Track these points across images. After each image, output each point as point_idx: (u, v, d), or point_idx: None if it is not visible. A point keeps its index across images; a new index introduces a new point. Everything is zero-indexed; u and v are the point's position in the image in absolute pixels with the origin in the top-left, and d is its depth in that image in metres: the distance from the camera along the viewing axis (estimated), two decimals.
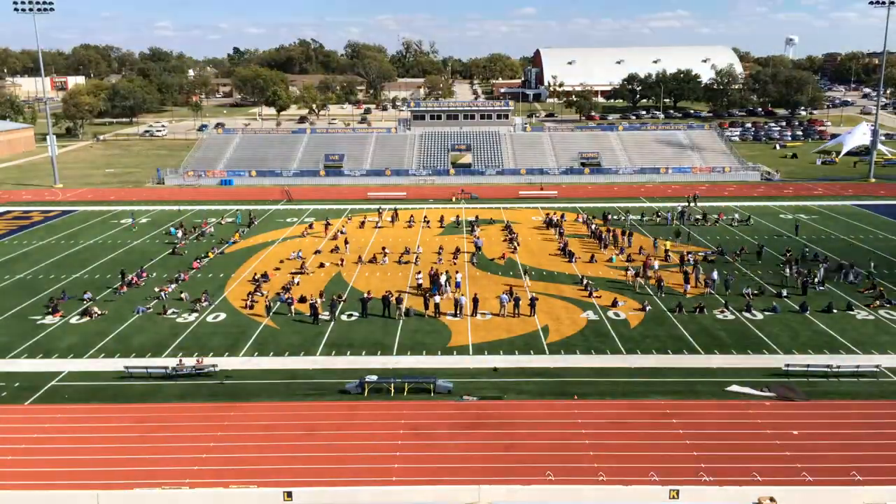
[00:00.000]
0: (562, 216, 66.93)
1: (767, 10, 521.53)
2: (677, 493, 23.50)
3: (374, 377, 32.13)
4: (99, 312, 41.70)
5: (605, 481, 24.67)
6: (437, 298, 42.27)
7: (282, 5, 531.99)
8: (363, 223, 65.75)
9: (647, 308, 41.85)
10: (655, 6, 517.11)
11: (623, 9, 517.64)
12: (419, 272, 47.56)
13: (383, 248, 54.54)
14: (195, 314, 41.89)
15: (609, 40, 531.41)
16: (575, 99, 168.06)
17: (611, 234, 58.42)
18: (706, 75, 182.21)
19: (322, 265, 51.98)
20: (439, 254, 53.53)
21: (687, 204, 71.68)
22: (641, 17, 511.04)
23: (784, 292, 44.02)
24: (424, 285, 45.09)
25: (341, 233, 61.67)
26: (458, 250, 54.76)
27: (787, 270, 47.76)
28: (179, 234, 60.51)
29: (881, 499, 23.46)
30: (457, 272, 47.70)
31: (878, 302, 42.49)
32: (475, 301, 41.78)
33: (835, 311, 41.25)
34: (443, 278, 45.31)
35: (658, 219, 65.31)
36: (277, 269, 51.00)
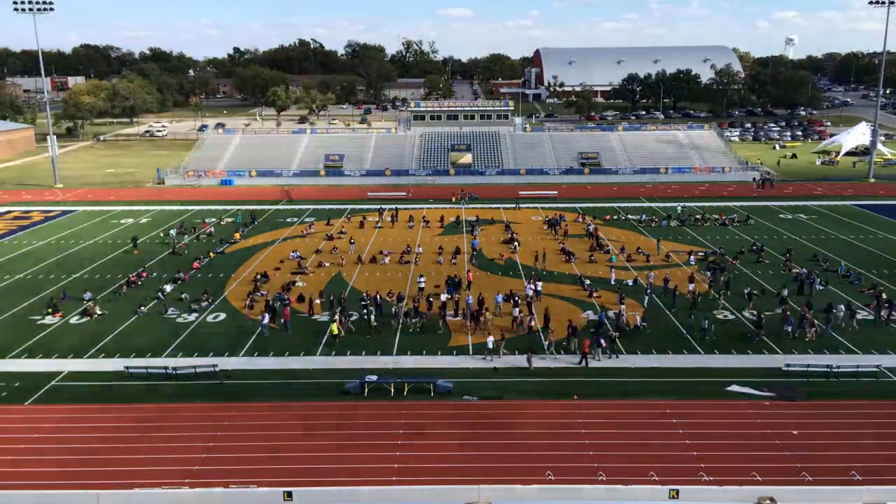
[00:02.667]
0: (561, 216, 66.85)
1: (710, 11, 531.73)
2: (677, 493, 23.50)
3: (375, 377, 32.14)
4: (99, 312, 41.70)
5: (605, 481, 24.67)
6: (443, 297, 42.16)
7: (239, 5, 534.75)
8: (363, 223, 65.75)
9: (647, 307, 41.86)
10: (602, 11, 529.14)
11: (568, 13, 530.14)
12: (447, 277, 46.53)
13: (382, 251, 54.64)
14: (195, 314, 41.90)
15: (569, 42, 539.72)
16: (575, 99, 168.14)
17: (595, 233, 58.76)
18: (706, 75, 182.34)
19: (322, 265, 51.99)
20: (439, 253, 53.56)
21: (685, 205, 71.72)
22: (592, 20, 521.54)
23: (785, 292, 44.01)
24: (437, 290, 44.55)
25: (342, 233, 61.75)
26: (458, 250, 54.76)
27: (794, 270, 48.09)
28: (173, 232, 60.34)
29: (881, 499, 23.46)
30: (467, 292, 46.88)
31: (878, 302, 42.42)
32: (480, 302, 41.77)
33: (834, 310, 41.18)
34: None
35: (654, 223, 65.08)
36: (277, 269, 50.99)
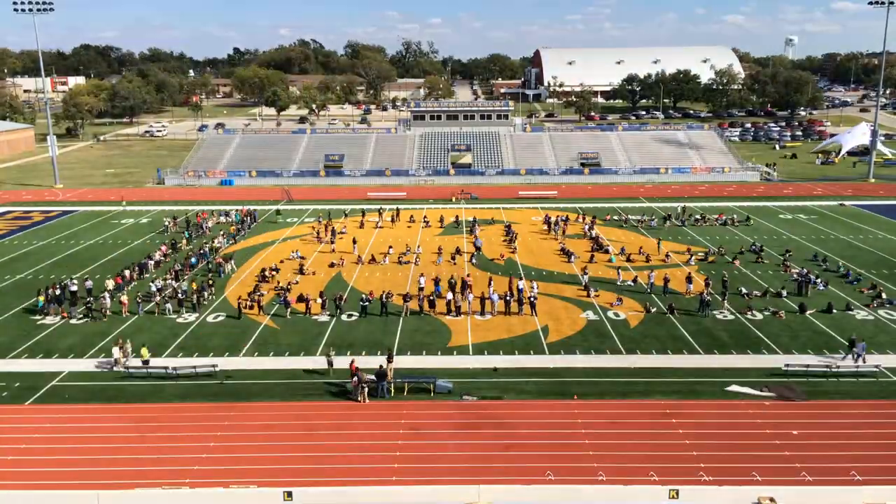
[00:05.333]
0: (565, 217, 66.80)
1: (675, 16, 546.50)
2: (677, 493, 23.52)
3: (371, 376, 32.05)
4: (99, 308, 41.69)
5: (605, 481, 24.68)
6: (449, 295, 42.22)
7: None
8: (363, 223, 65.72)
9: (652, 309, 41.88)
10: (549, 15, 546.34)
11: (520, 12, 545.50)
12: (435, 276, 46.64)
13: (389, 248, 54.64)
14: (195, 314, 41.90)
15: (538, 41, 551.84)
16: (575, 99, 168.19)
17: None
18: (705, 76, 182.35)
19: (332, 265, 51.98)
20: (439, 253, 53.58)
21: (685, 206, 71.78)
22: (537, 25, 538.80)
23: (784, 292, 44.05)
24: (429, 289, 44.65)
25: (341, 233, 61.75)
26: (458, 251, 54.70)
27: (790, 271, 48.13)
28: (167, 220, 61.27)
29: (881, 499, 23.47)
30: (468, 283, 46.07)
31: (874, 302, 42.46)
32: (482, 301, 41.77)
33: (835, 311, 41.26)
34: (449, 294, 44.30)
35: (646, 222, 65.18)
36: (277, 269, 50.91)
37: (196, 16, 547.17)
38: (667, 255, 53.28)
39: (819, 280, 46.13)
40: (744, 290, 44.09)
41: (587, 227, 62.50)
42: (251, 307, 42.59)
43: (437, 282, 44.70)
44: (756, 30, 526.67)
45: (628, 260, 52.76)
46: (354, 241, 56.53)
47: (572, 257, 53.28)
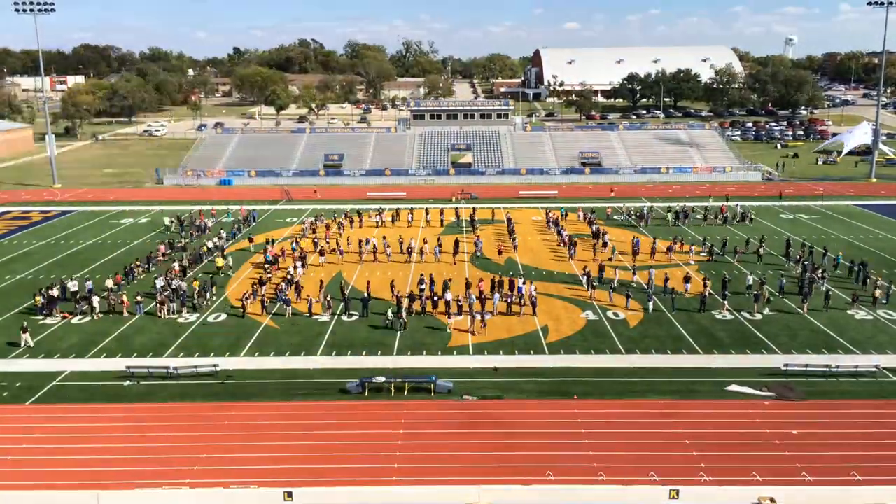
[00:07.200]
0: (564, 212, 67.14)
1: (640, 20, 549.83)
2: (677, 493, 23.51)
3: (382, 378, 32.02)
4: (98, 311, 41.69)
5: (605, 481, 24.68)
6: (448, 296, 42.18)
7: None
8: (361, 222, 65.68)
9: (651, 309, 41.87)
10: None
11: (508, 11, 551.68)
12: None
13: (384, 244, 54.61)
14: (196, 314, 41.90)
15: (533, 42, 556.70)
16: (575, 98, 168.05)
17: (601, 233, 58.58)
18: (706, 75, 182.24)
19: (321, 264, 52.00)
20: (438, 253, 53.54)
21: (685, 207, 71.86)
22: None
23: (783, 280, 44.19)
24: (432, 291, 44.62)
25: (338, 231, 61.83)
26: (457, 245, 54.41)
27: (798, 270, 48.28)
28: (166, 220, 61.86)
29: (881, 499, 23.47)
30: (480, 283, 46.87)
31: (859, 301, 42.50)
32: (483, 301, 41.73)
33: (834, 310, 41.27)
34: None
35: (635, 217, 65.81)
36: (278, 267, 50.93)
37: (166, 15, 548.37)
38: (670, 248, 53.38)
39: (823, 279, 46.23)
40: (751, 280, 44.29)
41: (588, 221, 62.78)
42: (248, 298, 42.65)
43: (433, 282, 44.74)
44: (709, 30, 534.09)
45: (635, 255, 52.53)
46: (316, 243, 56.24)
47: (573, 249, 53.44)
